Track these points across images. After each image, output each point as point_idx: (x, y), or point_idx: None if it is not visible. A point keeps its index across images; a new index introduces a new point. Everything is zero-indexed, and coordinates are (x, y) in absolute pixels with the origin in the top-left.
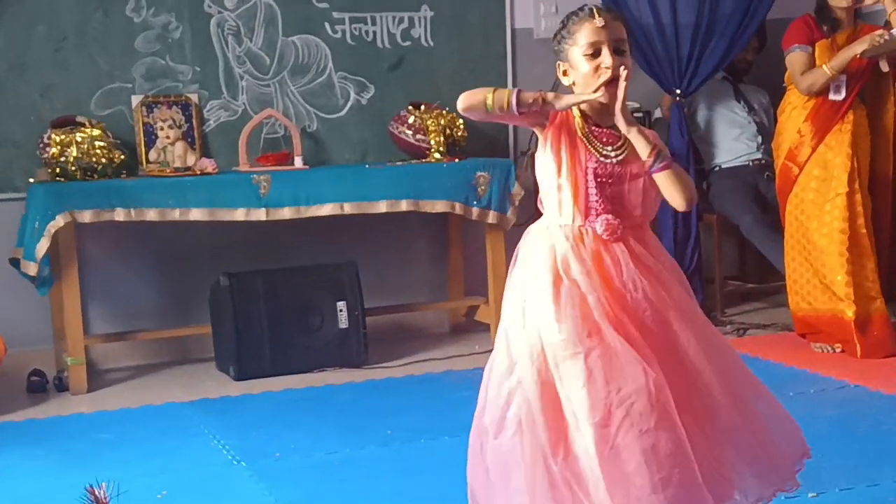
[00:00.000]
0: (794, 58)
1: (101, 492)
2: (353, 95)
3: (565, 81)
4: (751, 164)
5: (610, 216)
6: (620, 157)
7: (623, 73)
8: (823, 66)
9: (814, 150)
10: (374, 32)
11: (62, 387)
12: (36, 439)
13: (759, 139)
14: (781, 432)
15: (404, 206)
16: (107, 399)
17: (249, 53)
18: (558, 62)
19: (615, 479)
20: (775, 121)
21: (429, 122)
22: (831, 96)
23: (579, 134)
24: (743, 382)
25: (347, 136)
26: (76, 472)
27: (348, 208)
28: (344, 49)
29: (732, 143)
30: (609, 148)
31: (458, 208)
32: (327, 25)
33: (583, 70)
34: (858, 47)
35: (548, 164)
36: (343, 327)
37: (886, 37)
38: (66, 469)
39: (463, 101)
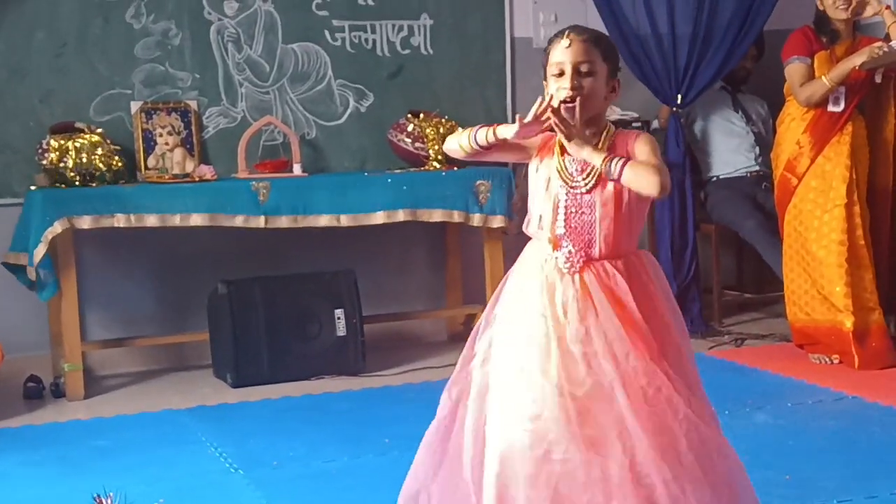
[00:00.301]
0: (793, 69)
1: (108, 501)
2: (352, 103)
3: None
4: (748, 175)
5: (572, 248)
6: (590, 184)
7: (558, 100)
8: (822, 77)
9: (812, 161)
10: (374, 40)
11: (59, 393)
12: (32, 446)
13: (757, 150)
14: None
15: (401, 216)
16: (104, 406)
17: (249, 60)
18: (544, 81)
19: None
20: (773, 131)
21: (428, 131)
22: (830, 108)
23: (555, 162)
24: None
25: (346, 143)
26: (73, 480)
27: (345, 220)
28: (343, 57)
29: (730, 154)
30: (580, 178)
31: (457, 216)
32: (327, 33)
33: (550, 89)
34: (857, 59)
35: (530, 192)
36: (341, 335)
37: (885, 49)
38: (62, 476)
39: (445, 146)
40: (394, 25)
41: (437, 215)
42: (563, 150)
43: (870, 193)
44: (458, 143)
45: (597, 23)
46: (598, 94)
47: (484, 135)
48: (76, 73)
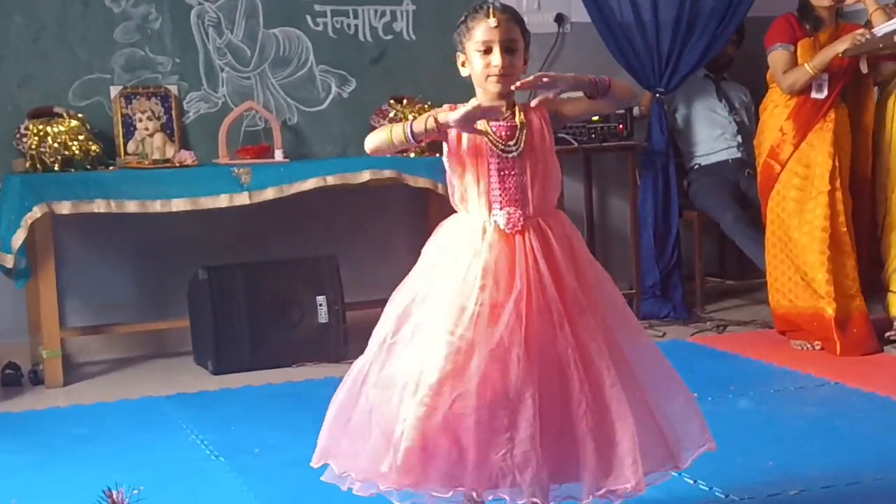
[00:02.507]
0: (777, 56)
1: (119, 495)
2: (334, 89)
3: (463, 73)
4: (730, 161)
5: (511, 209)
6: (520, 149)
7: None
8: (805, 64)
9: (796, 147)
10: (356, 26)
11: (37, 380)
12: (11, 434)
13: (740, 138)
14: (681, 423)
15: (387, 174)
16: (83, 393)
17: (230, 45)
18: (458, 53)
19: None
20: (756, 119)
21: (410, 117)
22: (813, 95)
23: (481, 129)
24: (650, 372)
25: (328, 129)
26: (52, 467)
27: (331, 180)
28: (325, 42)
29: (713, 142)
30: (510, 143)
31: (441, 189)
32: (309, 18)
33: (475, 65)
34: (840, 46)
35: (453, 165)
36: (323, 322)
37: (868, 36)
38: (42, 464)
39: (368, 145)
40: (376, 11)
41: (422, 181)
42: (487, 120)
43: (851, 181)
44: (385, 139)
45: (580, 9)
46: (520, 69)
47: (422, 124)
48: (55, 57)
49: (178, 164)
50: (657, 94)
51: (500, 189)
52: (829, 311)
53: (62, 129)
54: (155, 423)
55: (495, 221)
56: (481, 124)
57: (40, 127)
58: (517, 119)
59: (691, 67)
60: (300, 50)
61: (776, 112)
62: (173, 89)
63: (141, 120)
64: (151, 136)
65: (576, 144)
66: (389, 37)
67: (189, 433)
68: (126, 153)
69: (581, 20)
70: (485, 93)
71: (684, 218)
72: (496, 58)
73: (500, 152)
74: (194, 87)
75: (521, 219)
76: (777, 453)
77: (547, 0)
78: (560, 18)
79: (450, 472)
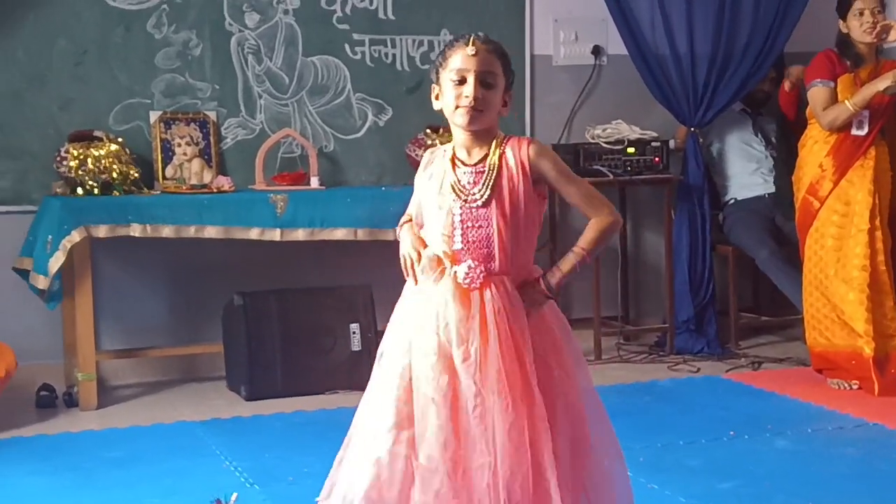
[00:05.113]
0: (816, 93)
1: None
2: (370, 117)
3: (435, 106)
4: (766, 196)
5: (472, 262)
6: (485, 196)
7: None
8: (846, 101)
9: (835, 184)
10: (394, 55)
11: (72, 402)
12: (45, 456)
13: (776, 174)
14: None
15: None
16: (116, 416)
17: (269, 72)
18: (433, 85)
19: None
20: (792, 154)
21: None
22: (854, 131)
23: (448, 179)
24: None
25: (364, 157)
26: (85, 492)
27: (361, 234)
28: (363, 71)
29: (748, 177)
30: (475, 190)
31: None
32: (347, 47)
33: (447, 96)
34: (881, 84)
35: (419, 212)
36: (356, 350)
37: None
38: (75, 488)
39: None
40: (414, 40)
41: None
42: (454, 164)
43: (891, 218)
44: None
45: (617, 41)
46: (496, 107)
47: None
48: (96, 81)
49: (215, 190)
50: (692, 129)
51: (462, 240)
52: (868, 350)
53: (102, 152)
54: (189, 448)
55: (454, 273)
56: (447, 170)
57: (81, 150)
58: (488, 162)
59: (726, 102)
60: (338, 78)
61: (815, 148)
62: (212, 115)
63: (179, 145)
64: (189, 161)
65: (611, 177)
66: (426, 66)
67: (223, 459)
68: (164, 178)
69: (618, 52)
70: (457, 130)
71: (719, 253)
72: (469, 88)
73: (464, 202)
74: (233, 114)
75: (482, 275)
76: (816, 495)
77: (584, 31)
78: (597, 50)
79: None
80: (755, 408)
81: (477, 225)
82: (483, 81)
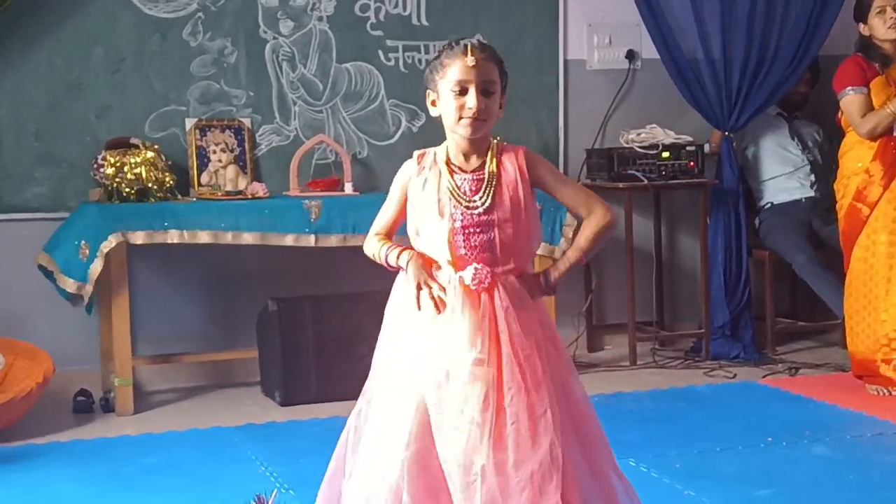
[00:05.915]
0: (851, 101)
1: (271, 501)
2: (404, 123)
3: (433, 112)
4: (804, 200)
5: (478, 265)
6: (487, 203)
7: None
8: (888, 106)
9: (885, 188)
10: (427, 61)
11: (108, 408)
12: (82, 461)
13: (813, 177)
14: None
15: None
16: (152, 421)
17: (303, 79)
18: (428, 91)
19: None
20: (830, 157)
21: (386, 246)
22: None
23: (445, 185)
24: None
25: (398, 163)
26: (123, 496)
27: (395, 240)
28: (396, 77)
29: (785, 181)
30: (476, 197)
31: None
32: (381, 53)
33: (448, 106)
34: None
35: (415, 220)
36: None
37: None
38: (112, 493)
39: (366, 250)
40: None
41: None
42: (451, 170)
43: None
44: (372, 252)
45: (651, 45)
46: (496, 113)
47: (394, 258)
48: (132, 89)
49: (250, 196)
50: (726, 133)
51: (465, 246)
52: None
53: (138, 159)
54: (224, 453)
55: (460, 278)
56: (444, 177)
57: (117, 158)
58: (487, 170)
59: (760, 106)
60: (371, 84)
61: (860, 154)
62: (247, 122)
63: (215, 152)
64: (224, 167)
65: (645, 181)
66: None
67: (259, 465)
68: (199, 184)
69: (652, 56)
70: (454, 137)
71: (754, 257)
72: (472, 100)
73: (465, 209)
74: (267, 120)
75: (489, 276)
76: (854, 502)
77: (618, 36)
78: (631, 55)
79: None
80: (792, 414)
81: (479, 230)
82: (484, 91)
